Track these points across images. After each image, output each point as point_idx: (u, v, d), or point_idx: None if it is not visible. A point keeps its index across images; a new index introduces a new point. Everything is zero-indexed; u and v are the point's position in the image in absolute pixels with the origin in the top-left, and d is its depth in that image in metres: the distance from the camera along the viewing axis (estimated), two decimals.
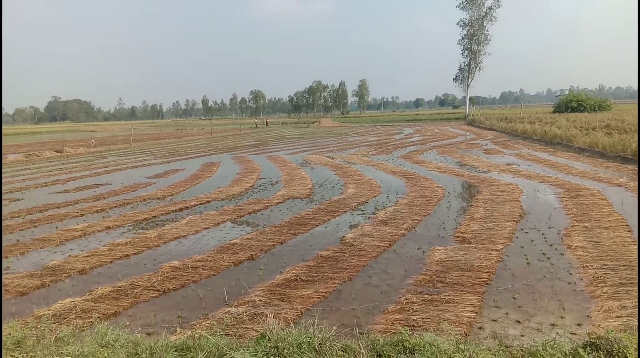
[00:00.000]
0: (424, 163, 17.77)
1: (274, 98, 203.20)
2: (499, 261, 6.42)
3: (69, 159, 26.72)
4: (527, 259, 6.49)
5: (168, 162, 22.60)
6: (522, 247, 7.05)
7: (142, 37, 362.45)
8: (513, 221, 8.45)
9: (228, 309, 5.08)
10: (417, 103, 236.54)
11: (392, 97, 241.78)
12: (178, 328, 4.61)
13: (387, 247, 7.31)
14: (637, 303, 4.76)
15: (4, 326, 4.71)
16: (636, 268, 5.74)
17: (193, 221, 9.45)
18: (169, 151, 30.06)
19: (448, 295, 5.26)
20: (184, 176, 16.80)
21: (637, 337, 3.29)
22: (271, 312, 4.36)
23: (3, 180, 17.74)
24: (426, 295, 5.30)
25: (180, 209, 10.81)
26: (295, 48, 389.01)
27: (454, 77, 66.37)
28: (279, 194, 12.23)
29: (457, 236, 7.71)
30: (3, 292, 5.98)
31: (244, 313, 4.90)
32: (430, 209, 9.74)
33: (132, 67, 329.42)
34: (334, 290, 5.65)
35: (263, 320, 4.48)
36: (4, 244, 8.39)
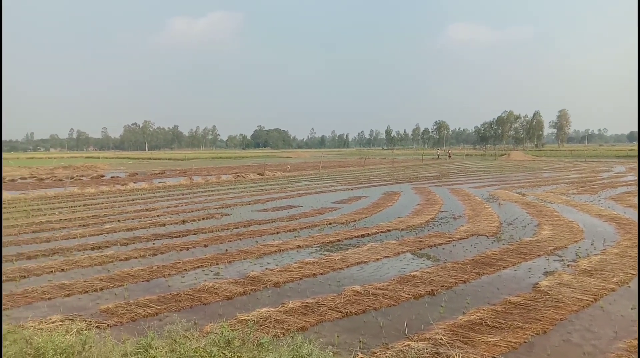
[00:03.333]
0: None
1: (458, 129, 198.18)
2: None
3: (268, 181, 30.14)
4: None
5: (352, 189, 23.72)
6: None
7: (332, 71, 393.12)
8: None
9: (408, 343, 5.01)
10: (632, 137, 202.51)
11: (599, 130, 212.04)
12: (360, 353, 4.72)
13: (592, 302, 6.34)
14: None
15: (212, 325, 5.45)
16: None
17: (374, 249, 9.68)
18: (353, 178, 31.55)
19: None
20: (366, 204, 17.39)
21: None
22: (458, 354, 4.15)
23: (217, 196, 20.93)
24: None
25: (362, 236, 11.20)
26: (483, 76, 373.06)
27: None
28: (461, 230, 11.72)
29: None
30: (213, 294, 6.96)
31: (425, 350, 4.77)
32: None
33: (324, 99, 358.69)
34: (524, 342, 5.12)
35: None
36: (215, 252, 9.83)
